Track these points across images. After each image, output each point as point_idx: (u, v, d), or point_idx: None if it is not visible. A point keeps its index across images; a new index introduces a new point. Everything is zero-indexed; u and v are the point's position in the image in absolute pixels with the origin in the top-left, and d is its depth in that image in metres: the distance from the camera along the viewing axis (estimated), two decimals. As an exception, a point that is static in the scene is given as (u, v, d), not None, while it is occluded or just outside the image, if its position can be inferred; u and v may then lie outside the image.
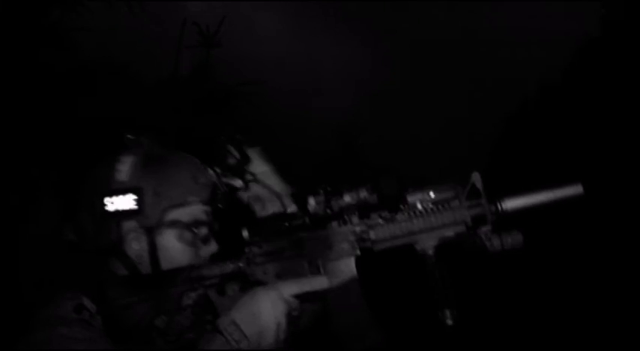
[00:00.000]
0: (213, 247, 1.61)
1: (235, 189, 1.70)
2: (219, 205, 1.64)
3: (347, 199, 1.47)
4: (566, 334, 5.52)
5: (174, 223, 1.54)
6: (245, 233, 1.51)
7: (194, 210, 1.57)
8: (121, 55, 7.12)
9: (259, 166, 1.74)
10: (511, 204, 1.42)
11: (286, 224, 1.52)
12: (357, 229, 1.48)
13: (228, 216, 1.65)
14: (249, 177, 1.72)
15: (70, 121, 5.61)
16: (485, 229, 1.41)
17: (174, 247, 1.55)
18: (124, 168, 1.55)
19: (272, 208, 1.71)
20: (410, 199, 1.44)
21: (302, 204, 1.51)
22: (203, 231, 1.59)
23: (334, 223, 1.50)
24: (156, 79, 7.86)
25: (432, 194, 1.43)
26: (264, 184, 1.72)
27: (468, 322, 1.49)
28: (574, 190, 1.43)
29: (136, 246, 1.53)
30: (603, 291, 5.83)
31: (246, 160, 1.71)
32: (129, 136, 1.64)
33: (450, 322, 1.41)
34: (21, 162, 4.05)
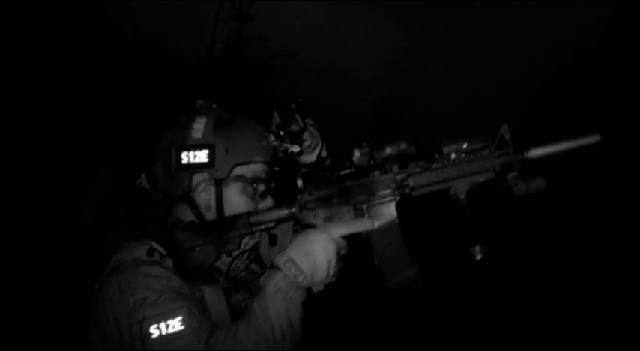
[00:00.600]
0: (269, 202, 1.81)
1: (292, 153, 1.88)
2: (276, 167, 1.82)
3: (388, 150, 1.64)
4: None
5: (239, 178, 1.75)
6: (299, 182, 1.70)
7: (256, 168, 1.77)
8: (158, 31, 7.29)
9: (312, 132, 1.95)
10: (536, 152, 1.58)
11: (334, 174, 1.71)
12: (398, 177, 1.66)
13: (284, 176, 1.84)
14: (305, 143, 1.92)
15: (115, 97, 5.83)
16: (512, 175, 1.57)
17: (237, 199, 1.75)
18: (199, 127, 1.75)
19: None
20: (445, 149, 1.61)
21: (348, 156, 1.69)
22: (261, 187, 1.79)
23: (377, 173, 1.67)
24: (193, 55, 8.05)
25: (464, 145, 1.60)
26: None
27: (494, 259, 1.67)
28: (593, 139, 1.58)
29: (204, 196, 1.74)
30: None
31: (304, 127, 1.90)
32: (200, 101, 1.84)
33: (479, 256, 1.59)
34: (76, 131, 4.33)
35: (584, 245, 6.08)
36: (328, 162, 2.00)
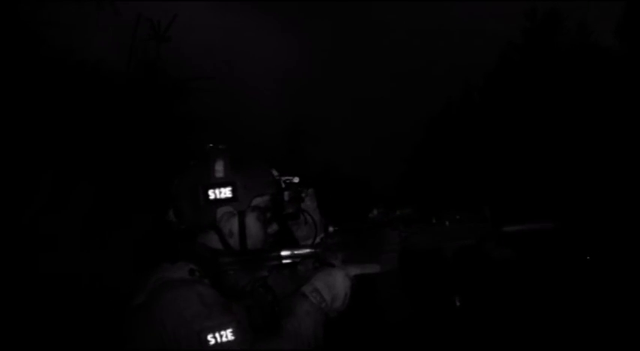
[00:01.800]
0: (274, 227, 2.15)
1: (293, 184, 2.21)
2: (279, 197, 2.15)
3: (398, 212, 2.04)
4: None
5: (255, 208, 2.08)
6: (330, 228, 2.07)
7: (267, 199, 2.11)
8: (81, 50, 7.36)
9: (310, 203, 2.30)
10: (508, 229, 2.00)
11: (355, 225, 2.08)
12: (403, 234, 2.05)
13: (284, 206, 2.17)
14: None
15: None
16: (488, 244, 2.00)
17: (254, 226, 2.08)
18: (220, 168, 2.06)
19: (307, 231, 2.29)
20: (441, 217, 2.02)
21: (366, 214, 2.06)
22: (269, 214, 2.13)
23: (388, 228, 2.06)
24: (110, 74, 8.11)
25: (457, 216, 2.01)
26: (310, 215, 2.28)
27: (472, 307, 2.09)
28: (549, 225, 1.99)
29: (228, 225, 2.06)
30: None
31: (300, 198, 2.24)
32: (210, 145, 2.16)
33: (458, 303, 2.01)
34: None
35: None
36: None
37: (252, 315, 2.02)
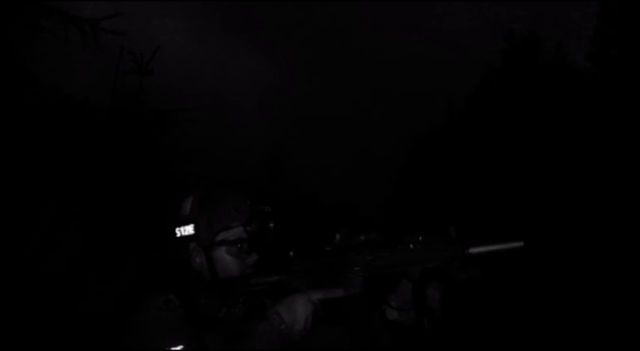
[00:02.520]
0: (254, 257, 2.21)
1: (265, 213, 2.26)
2: (254, 227, 2.20)
3: (362, 237, 2.08)
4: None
5: (222, 242, 2.15)
6: (291, 253, 2.14)
7: (237, 231, 2.16)
8: (66, 86, 7.49)
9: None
10: (474, 250, 1.97)
11: (319, 250, 2.14)
12: (367, 258, 2.08)
13: (262, 235, 2.22)
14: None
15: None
16: (455, 265, 2.04)
17: (225, 259, 2.15)
18: (186, 206, 2.17)
19: None
20: (405, 239, 2.07)
21: (330, 239, 2.12)
22: (245, 246, 2.19)
23: (352, 253, 2.09)
24: (95, 107, 8.21)
25: (420, 238, 2.06)
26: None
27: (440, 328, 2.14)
28: (517, 244, 1.94)
29: (198, 260, 2.15)
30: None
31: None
32: (193, 180, 2.25)
33: (426, 326, 2.06)
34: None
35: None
36: None
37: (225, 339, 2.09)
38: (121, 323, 2.05)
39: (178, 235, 2.14)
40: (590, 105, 15.36)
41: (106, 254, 6.03)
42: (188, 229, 2.13)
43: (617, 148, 13.71)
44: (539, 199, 14.23)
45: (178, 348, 1.89)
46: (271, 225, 2.23)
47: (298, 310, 2.02)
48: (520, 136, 16.70)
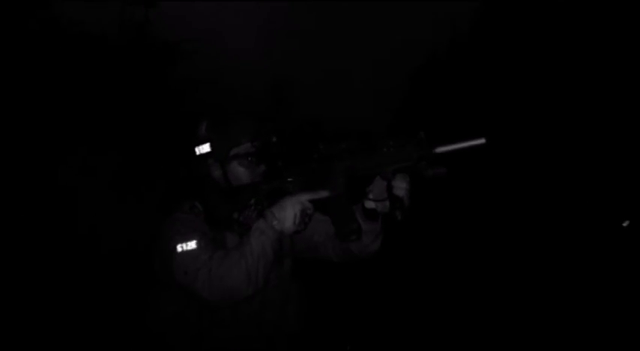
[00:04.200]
0: (262, 167, 2.61)
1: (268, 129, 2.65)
2: (259, 142, 2.60)
3: (343, 145, 2.41)
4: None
5: (235, 156, 2.56)
6: (280, 164, 2.48)
7: (246, 146, 2.57)
8: (75, 20, 7.77)
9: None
10: (440, 149, 2.25)
11: (306, 158, 2.48)
12: (347, 163, 2.42)
13: (270, 148, 2.62)
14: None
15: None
16: (423, 164, 2.34)
17: (238, 170, 2.58)
18: (202, 128, 2.58)
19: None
20: (379, 144, 2.38)
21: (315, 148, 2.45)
22: (254, 158, 2.58)
23: (335, 159, 2.44)
24: (102, 38, 8.47)
25: (391, 142, 2.36)
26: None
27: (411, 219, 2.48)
28: (479, 141, 2.19)
29: (216, 172, 2.57)
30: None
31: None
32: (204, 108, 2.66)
33: (399, 217, 2.39)
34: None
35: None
36: None
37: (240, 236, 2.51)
38: (156, 226, 2.50)
39: (198, 153, 2.55)
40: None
41: (139, 177, 6.71)
42: (205, 148, 2.54)
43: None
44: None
45: (192, 242, 2.31)
46: (274, 139, 2.61)
47: (287, 209, 2.41)
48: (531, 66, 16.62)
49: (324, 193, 2.44)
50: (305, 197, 2.44)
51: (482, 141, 2.20)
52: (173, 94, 8.23)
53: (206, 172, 2.57)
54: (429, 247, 7.01)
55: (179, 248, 2.31)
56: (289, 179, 2.52)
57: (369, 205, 2.54)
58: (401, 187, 2.41)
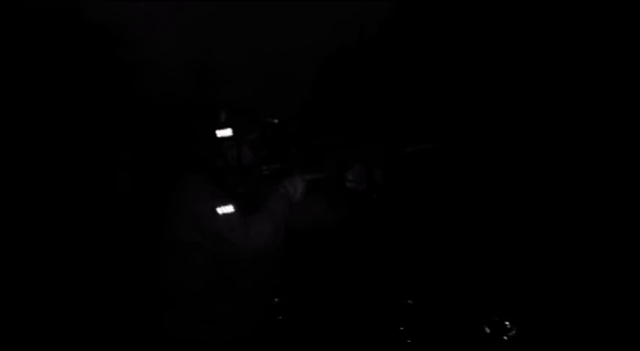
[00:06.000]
0: (263, 151, 3.23)
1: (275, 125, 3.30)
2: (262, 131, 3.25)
3: (330, 139, 3.20)
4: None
5: (248, 141, 3.16)
6: (293, 150, 3.19)
7: (254, 134, 3.18)
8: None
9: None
10: (408, 149, 3.11)
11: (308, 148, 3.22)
12: (338, 152, 3.22)
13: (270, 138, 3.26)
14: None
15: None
16: (394, 158, 3.15)
17: (247, 153, 3.16)
18: (223, 116, 3.13)
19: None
20: (360, 140, 3.18)
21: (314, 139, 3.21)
22: (259, 143, 3.20)
23: (327, 150, 3.22)
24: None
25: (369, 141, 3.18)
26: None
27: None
28: (431, 146, 3.12)
29: (230, 153, 3.14)
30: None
31: None
32: (219, 101, 3.24)
33: (375, 195, 3.17)
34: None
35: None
36: None
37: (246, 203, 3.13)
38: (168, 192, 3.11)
39: (219, 135, 3.09)
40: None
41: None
42: (227, 132, 3.09)
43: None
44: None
45: (229, 206, 2.93)
46: (269, 131, 3.26)
47: (297, 185, 3.15)
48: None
49: (319, 175, 3.18)
50: (307, 177, 3.18)
51: (429, 145, 3.08)
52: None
53: (222, 152, 3.11)
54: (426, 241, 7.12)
55: (219, 210, 2.89)
56: (293, 163, 3.23)
57: (350, 185, 3.26)
58: (377, 173, 3.18)
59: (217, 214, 2.91)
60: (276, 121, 3.25)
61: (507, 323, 4.88)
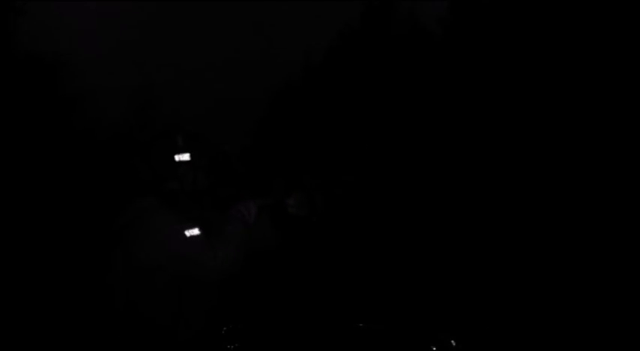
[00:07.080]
0: (214, 176, 3.29)
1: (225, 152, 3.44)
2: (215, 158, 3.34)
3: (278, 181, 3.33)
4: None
5: (203, 165, 3.21)
6: (235, 175, 3.31)
7: (208, 159, 3.25)
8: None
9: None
10: (345, 178, 3.32)
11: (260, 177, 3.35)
12: (282, 181, 3.34)
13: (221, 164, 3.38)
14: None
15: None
16: (333, 186, 3.32)
17: (202, 177, 3.20)
18: (180, 140, 3.18)
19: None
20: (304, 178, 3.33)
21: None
22: (211, 169, 3.27)
23: (276, 180, 3.35)
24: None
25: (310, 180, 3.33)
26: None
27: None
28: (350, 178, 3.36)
29: (188, 176, 3.18)
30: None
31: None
32: (175, 126, 3.33)
33: (314, 218, 3.31)
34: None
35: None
36: None
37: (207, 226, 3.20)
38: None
39: (177, 160, 3.13)
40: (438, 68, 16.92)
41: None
42: (185, 156, 3.14)
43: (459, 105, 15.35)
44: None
45: (195, 229, 2.96)
46: (220, 157, 3.39)
47: (251, 208, 3.22)
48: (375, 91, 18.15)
49: (269, 200, 3.31)
50: (258, 203, 3.27)
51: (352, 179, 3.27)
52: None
53: (179, 176, 3.14)
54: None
55: (187, 233, 2.96)
56: (245, 192, 3.33)
57: (291, 210, 3.40)
58: (318, 198, 3.31)
59: (185, 236, 2.97)
60: (226, 147, 3.38)
61: (453, 342, 5.01)
